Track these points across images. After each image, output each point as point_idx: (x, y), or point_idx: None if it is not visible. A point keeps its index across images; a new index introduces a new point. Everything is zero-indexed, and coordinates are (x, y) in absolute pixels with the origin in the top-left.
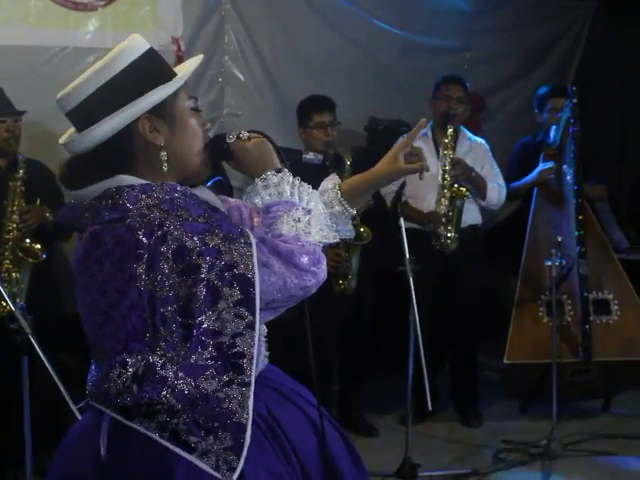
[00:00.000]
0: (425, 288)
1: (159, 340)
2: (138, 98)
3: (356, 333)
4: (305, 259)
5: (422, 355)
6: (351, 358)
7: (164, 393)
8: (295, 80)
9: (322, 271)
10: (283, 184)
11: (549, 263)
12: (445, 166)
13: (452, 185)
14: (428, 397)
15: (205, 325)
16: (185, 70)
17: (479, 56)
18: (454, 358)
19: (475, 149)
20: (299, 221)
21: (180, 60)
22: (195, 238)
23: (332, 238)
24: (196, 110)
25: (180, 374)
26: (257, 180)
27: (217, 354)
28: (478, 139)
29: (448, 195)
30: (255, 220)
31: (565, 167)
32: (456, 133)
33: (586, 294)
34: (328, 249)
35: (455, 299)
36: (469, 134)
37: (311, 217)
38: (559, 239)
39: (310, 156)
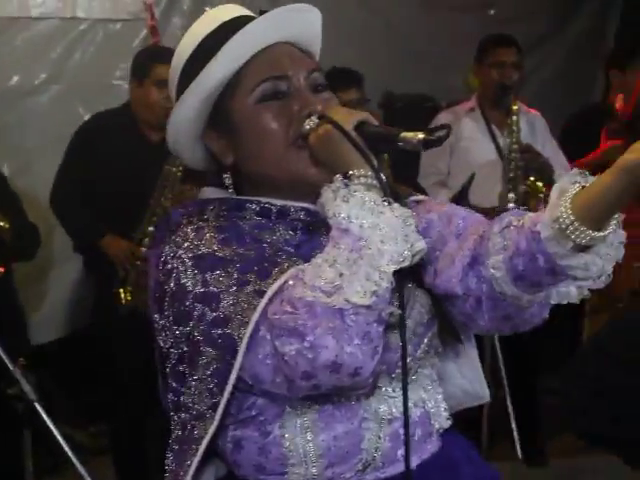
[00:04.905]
0: None
1: None
2: None
3: None
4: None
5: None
6: None
7: None
8: None
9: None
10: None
11: None
12: (511, 154)
13: (526, 178)
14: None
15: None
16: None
17: (505, 14)
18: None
19: (535, 125)
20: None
21: (154, 30)
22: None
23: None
24: (273, 97)
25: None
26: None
27: (181, 435)
28: (532, 111)
29: (520, 190)
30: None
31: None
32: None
33: None
34: None
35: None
36: (523, 107)
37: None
38: None
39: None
